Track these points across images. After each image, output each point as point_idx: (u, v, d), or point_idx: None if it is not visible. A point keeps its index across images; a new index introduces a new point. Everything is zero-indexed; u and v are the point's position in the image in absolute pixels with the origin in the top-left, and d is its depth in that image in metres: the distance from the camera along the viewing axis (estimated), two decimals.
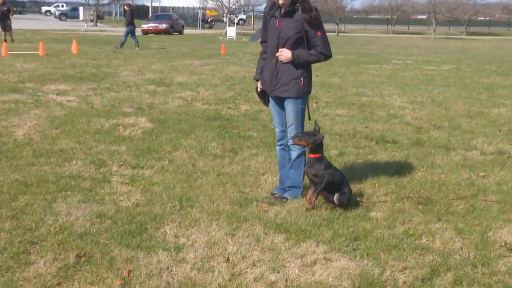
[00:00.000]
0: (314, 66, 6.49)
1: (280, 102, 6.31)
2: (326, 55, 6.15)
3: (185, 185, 6.82)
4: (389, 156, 8.57)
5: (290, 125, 6.25)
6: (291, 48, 6.06)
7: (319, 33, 6.05)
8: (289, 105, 6.19)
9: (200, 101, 13.40)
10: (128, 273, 4.46)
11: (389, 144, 9.38)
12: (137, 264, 4.64)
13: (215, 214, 5.83)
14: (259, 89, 6.54)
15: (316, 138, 6.07)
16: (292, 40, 6.04)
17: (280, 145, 6.54)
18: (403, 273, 4.66)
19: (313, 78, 6.48)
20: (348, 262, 4.81)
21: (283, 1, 6.01)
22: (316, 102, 13.56)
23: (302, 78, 6.12)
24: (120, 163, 7.69)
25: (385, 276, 4.58)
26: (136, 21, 32.28)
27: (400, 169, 7.77)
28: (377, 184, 7.01)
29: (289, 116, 6.23)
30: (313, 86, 6.48)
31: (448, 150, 9.12)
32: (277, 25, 6.14)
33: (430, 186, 7.07)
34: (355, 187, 6.87)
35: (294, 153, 6.34)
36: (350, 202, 6.13)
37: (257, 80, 6.55)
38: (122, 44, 30.77)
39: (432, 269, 4.74)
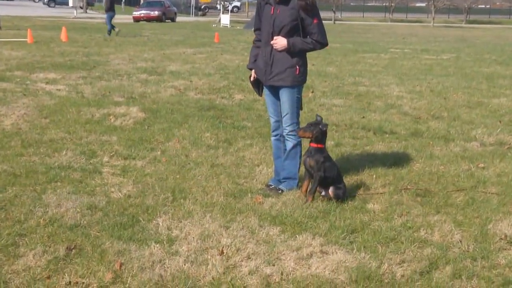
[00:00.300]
0: (310, 55, 6.48)
1: (275, 91, 6.30)
2: (322, 43, 6.14)
3: (178, 176, 6.82)
4: (387, 147, 8.58)
5: (285, 115, 6.24)
6: (286, 36, 6.04)
7: (315, 21, 6.03)
8: (284, 94, 6.18)
9: (193, 91, 13.37)
10: (120, 266, 4.46)
11: (387, 135, 9.39)
12: (129, 257, 4.64)
13: (208, 206, 5.83)
14: (252, 78, 6.52)
15: (321, 126, 6.09)
16: (287, 27, 6.02)
17: (275, 136, 6.53)
18: (401, 266, 4.68)
19: (309, 67, 6.48)
20: (345, 255, 4.82)
21: None
22: (312, 92, 13.55)
23: (297, 67, 6.11)
24: (111, 154, 7.67)
25: (382, 269, 4.59)
26: (127, 8, 32.18)
27: (398, 160, 7.78)
28: (374, 176, 7.03)
29: (284, 105, 6.22)
30: (309, 75, 6.48)
31: (447, 141, 9.14)
32: (272, 12, 6.12)
33: (428, 178, 7.09)
34: (352, 179, 6.89)
35: (289, 144, 6.34)
36: (345, 196, 6.14)
37: (251, 69, 6.54)
38: (110, 32, 30.69)
39: (431, 262, 4.76)
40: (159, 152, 7.86)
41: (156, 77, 15.42)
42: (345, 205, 5.99)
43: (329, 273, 4.50)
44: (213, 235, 5.12)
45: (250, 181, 6.75)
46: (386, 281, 4.44)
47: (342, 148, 8.42)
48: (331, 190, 6.09)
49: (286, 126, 6.26)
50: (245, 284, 4.31)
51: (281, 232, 5.28)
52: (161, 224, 5.35)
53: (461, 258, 4.86)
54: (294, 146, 6.33)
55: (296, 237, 5.13)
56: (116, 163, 7.33)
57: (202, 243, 4.97)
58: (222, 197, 6.11)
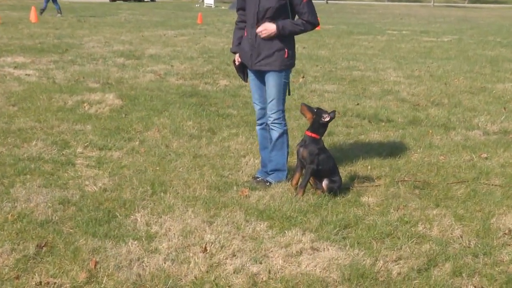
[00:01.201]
0: (300, 37, 6.49)
1: (261, 75, 6.29)
2: (313, 23, 6.13)
3: (157, 168, 6.81)
4: (383, 136, 8.61)
5: (271, 101, 6.22)
6: (272, 18, 6.01)
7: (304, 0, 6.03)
8: (271, 79, 6.17)
9: (175, 76, 13.34)
10: (95, 265, 4.46)
11: (383, 123, 9.42)
12: (104, 255, 4.64)
13: (191, 200, 5.83)
14: (237, 63, 6.51)
15: (323, 116, 6.07)
16: (273, 9, 5.98)
17: (260, 125, 6.53)
18: (398, 264, 4.70)
19: (300, 50, 6.56)
20: (337, 251, 4.84)
21: None
22: (303, 77, 13.57)
23: (286, 50, 6.10)
24: (86, 144, 7.65)
25: (377, 266, 4.61)
26: None
27: (395, 150, 7.81)
28: (369, 167, 7.06)
29: (270, 90, 6.20)
30: (299, 59, 6.50)
31: (447, 129, 9.18)
32: None
33: (427, 169, 7.13)
34: (345, 170, 6.91)
35: (274, 133, 6.33)
36: (339, 190, 6.16)
37: (235, 53, 6.53)
38: (42, 11, 30.37)
39: (429, 259, 4.79)
40: (137, 142, 7.85)
41: (134, 61, 15.38)
42: (338, 198, 6.02)
43: (320, 271, 4.52)
44: (196, 231, 5.12)
45: (236, 173, 6.76)
46: (381, 279, 4.46)
47: (335, 137, 8.43)
48: (324, 183, 6.10)
49: (271, 114, 6.24)
50: (229, 284, 4.32)
51: (268, 227, 5.29)
52: (139, 219, 5.34)
53: (462, 254, 4.89)
54: (280, 136, 6.33)
55: (285, 233, 5.14)
56: (91, 154, 7.31)
57: (184, 239, 4.97)
58: (205, 190, 6.12)
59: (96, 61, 15.06)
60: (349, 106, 10.59)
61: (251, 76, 6.39)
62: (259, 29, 6.02)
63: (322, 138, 6.23)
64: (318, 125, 6.11)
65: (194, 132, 8.43)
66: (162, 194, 5.98)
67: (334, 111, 6.13)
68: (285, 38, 6.09)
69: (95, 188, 6.10)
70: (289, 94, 6.47)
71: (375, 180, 6.67)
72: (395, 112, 10.22)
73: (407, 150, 7.87)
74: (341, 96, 11.58)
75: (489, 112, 10.50)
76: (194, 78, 13.11)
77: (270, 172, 6.48)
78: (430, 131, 8.95)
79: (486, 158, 7.69)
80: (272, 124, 6.27)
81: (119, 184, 6.24)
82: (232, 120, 9.25)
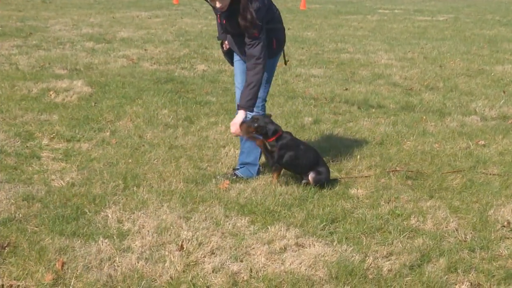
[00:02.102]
0: (284, 18, 6.49)
1: None
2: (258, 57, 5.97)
3: (130, 161, 6.80)
4: (373, 124, 8.64)
5: None
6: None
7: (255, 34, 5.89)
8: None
9: (149, 61, 13.31)
10: (62, 266, 4.44)
11: (373, 109, 9.45)
12: (72, 255, 4.62)
13: (166, 194, 5.83)
14: (225, 48, 6.50)
15: (257, 123, 6.00)
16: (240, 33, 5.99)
17: None
18: (388, 260, 4.73)
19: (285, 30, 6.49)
20: (323, 248, 4.86)
21: (220, 5, 5.89)
22: (288, 61, 13.54)
23: (274, 40, 6.12)
24: (52, 136, 7.61)
25: (367, 263, 4.63)
26: None
27: (386, 138, 7.84)
28: (358, 157, 7.08)
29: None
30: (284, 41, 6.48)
31: (442, 115, 9.22)
32: (219, 21, 6.13)
33: (421, 158, 7.16)
34: (332, 160, 6.93)
35: None
36: (328, 182, 6.18)
37: (221, 40, 6.52)
38: None
39: (422, 254, 4.82)
40: (108, 133, 7.82)
41: (104, 45, 15.31)
42: (325, 191, 6.03)
43: (305, 269, 4.53)
44: (171, 227, 5.12)
45: (215, 165, 6.76)
46: (371, 276, 4.49)
47: (322, 125, 8.45)
48: (310, 176, 6.12)
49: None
50: (208, 284, 4.32)
51: (250, 223, 5.30)
52: (110, 216, 5.33)
53: (457, 249, 4.93)
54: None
55: (268, 228, 5.15)
56: (58, 146, 7.28)
57: (159, 237, 4.96)
58: (181, 183, 6.11)
59: (63, 46, 14.98)
60: (337, 92, 10.61)
61: (236, 57, 6.38)
62: (232, 130, 6.05)
63: (286, 134, 6.17)
64: (264, 130, 6.04)
65: (169, 121, 8.41)
66: (135, 188, 5.96)
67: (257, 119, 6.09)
68: (271, 32, 6.04)
69: (62, 183, 6.07)
70: (285, 64, 6.77)
71: (365, 171, 6.69)
72: (387, 97, 10.25)
73: (399, 138, 7.91)
74: (328, 81, 11.60)
75: (487, 96, 10.56)
76: (170, 63, 13.07)
77: (240, 166, 6.49)
78: (424, 117, 8.99)
79: (484, 146, 7.73)
80: (250, 113, 6.25)
81: (88, 178, 6.22)
82: (211, 108, 9.24)
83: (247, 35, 5.81)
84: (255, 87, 5.88)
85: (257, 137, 6.09)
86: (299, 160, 6.12)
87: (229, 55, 6.51)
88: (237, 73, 6.45)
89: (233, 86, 10.54)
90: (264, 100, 6.31)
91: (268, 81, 6.27)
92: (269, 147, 6.09)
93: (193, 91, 10.34)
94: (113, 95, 9.79)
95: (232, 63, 6.53)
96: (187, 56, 13.94)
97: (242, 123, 5.98)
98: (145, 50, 14.71)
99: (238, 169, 6.51)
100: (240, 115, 5.94)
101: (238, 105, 6.00)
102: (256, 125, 6.01)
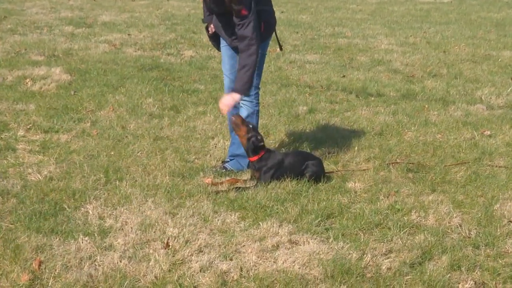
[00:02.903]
0: (277, 0, 6.49)
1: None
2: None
3: (112, 153, 6.79)
4: (372, 113, 8.66)
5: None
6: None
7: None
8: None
9: (132, 46, 13.28)
10: (39, 265, 4.44)
11: (372, 98, 9.46)
12: (50, 254, 4.62)
13: (151, 189, 5.83)
14: (210, 32, 6.48)
15: (253, 140, 6.02)
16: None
17: None
18: (388, 258, 4.74)
19: (278, 15, 6.48)
20: (318, 245, 4.87)
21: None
22: (282, 46, 13.52)
23: (262, 23, 6.10)
24: (28, 126, 7.61)
25: (365, 261, 4.64)
26: None
27: (386, 128, 7.86)
28: (356, 148, 7.09)
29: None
30: (277, 25, 6.48)
31: (446, 103, 9.24)
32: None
33: (422, 149, 7.18)
34: (329, 152, 6.94)
35: (243, 112, 6.33)
36: (323, 176, 6.20)
37: (206, 23, 6.51)
38: None
39: (424, 251, 4.83)
40: (88, 124, 7.81)
41: (84, 29, 15.26)
42: (320, 184, 6.05)
43: (299, 268, 4.54)
44: (156, 224, 5.12)
45: (203, 158, 6.77)
46: (369, 275, 4.50)
47: (317, 114, 8.46)
48: (306, 172, 6.12)
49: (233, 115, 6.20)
50: (195, 283, 4.33)
51: (240, 219, 5.31)
52: (91, 212, 5.33)
53: (461, 245, 4.94)
54: (249, 116, 6.33)
55: (259, 224, 5.16)
56: (34, 138, 7.27)
57: (143, 234, 4.97)
58: (167, 177, 6.11)
59: (40, 30, 14.93)
60: (334, 79, 10.62)
61: (223, 43, 6.37)
62: (221, 106, 6.06)
63: (268, 154, 6.16)
64: (255, 148, 6.06)
65: (154, 111, 8.41)
66: (117, 182, 5.97)
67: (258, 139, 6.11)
68: (261, 13, 6.02)
69: (39, 177, 6.06)
70: (280, 50, 6.82)
71: (363, 163, 6.70)
72: (387, 85, 10.26)
73: (399, 128, 7.92)
74: (324, 67, 11.60)
75: (493, 83, 10.58)
76: (155, 49, 13.05)
77: (230, 158, 6.50)
78: (426, 106, 9.01)
79: (490, 136, 7.76)
80: (242, 101, 6.26)
81: (67, 171, 6.22)
82: (199, 96, 9.24)
83: (234, 14, 5.79)
84: (250, 70, 5.85)
85: (246, 128, 6.08)
86: (285, 174, 6.10)
87: (215, 39, 6.49)
88: (224, 59, 6.44)
89: (221, 73, 10.57)
90: (258, 88, 6.31)
91: (259, 68, 6.26)
92: (253, 168, 6.15)
93: (179, 79, 10.33)
94: (94, 83, 9.78)
95: (218, 48, 6.52)
96: (174, 41, 13.92)
97: (239, 116, 6.05)
98: (129, 35, 14.67)
99: (227, 161, 6.52)
100: (234, 96, 5.93)
101: (233, 88, 5.98)
102: (251, 126, 6.07)
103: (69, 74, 10.26)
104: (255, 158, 6.07)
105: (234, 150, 6.46)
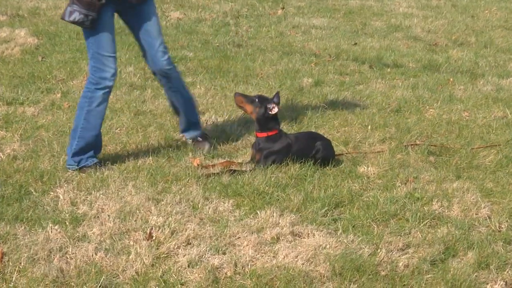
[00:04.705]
0: None
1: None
2: None
3: None
4: (388, 86, 8.66)
5: (161, 38, 6.31)
6: None
7: None
8: (153, 8, 6.21)
9: None
10: (1, 258, 4.45)
11: (389, 69, 9.46)
12: (14, 244, 4.63)
13: (131, 171, 5.84)
14: None
15: (267, 107, 6.06)
16: None
17: (108, 89, 6.02)
18: (405, 253, 4.75)
19: None
20: (325, 238, 4.87)
21: None
22: (283, 8, 13.52)
23: None
24: None
25: (378, 257, 4.65)
26: None
27: (404, 104, 7.87)
28: (369, 127, 7.10)
29: (156, 26, 6.25)
30: None
31: (474, 76, 9.24)
32: None
33: (446, 129, 7.19)
34: (337, 132, 6.95)
35: (176, 75, 6.45)
36: (332, 158, 6.22)
37: None
38: None
39: (447, 246, 4.84)
40: (59, 95, 7.81)
41: None
42: (327, 168, 6.05)
43: (302, 264, 4.55)
44: (138, 212, 5.13)
45: None
46: (383, 273, 4.51)
47: (324, 87, 8.45)
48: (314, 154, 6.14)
49: (166, 54, 6.33)
50: (182, 280, 4.35)
51: (235, 206, 5.33)
52: (61, 197, 5.34)
53: (490, 240, 4.96)
54: (179, 77, 6.50)
55: (257, 213, 5.17)
56: None
57: (122, 223, 4.97)
58: (150, 158, 6.11)
59: None
60: (344, 47, 10.61)
61: (107, 14, 5.88)
62: None
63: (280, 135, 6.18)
64: (265, 120, 6.11)
65: (136, 81, 8.41)
66: None
67: (277, 94, 6.18)
68: None
69: (2, 156, 6.07)
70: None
71: (377, 145, 6.71)
72: (405, 55, 10.25)
73: (419, 104, 7.93)
74: (333, 34, 11.58)
75: None
76: None
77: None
78: (451, 80, 9.01)
79: None
80: (169, 68, 6.32)
81: (34, 150, 6.22)
82: (187, 65, 9.23)
83: None
84: None
85: (251, 102, 6.11)
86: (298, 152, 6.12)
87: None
88: (107, 37, 5.94)
89: (214, 37, 10.59)
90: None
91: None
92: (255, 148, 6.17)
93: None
94: (65, 47, 9.77)
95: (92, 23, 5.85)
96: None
97: (239, 95, 6.16)
98: None
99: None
100: None
101: None
102: (256, 99, 6.13)
103: (36, 37, 10.24)
104: (263, 134, 6.10)
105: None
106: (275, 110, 6.04)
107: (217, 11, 12.87)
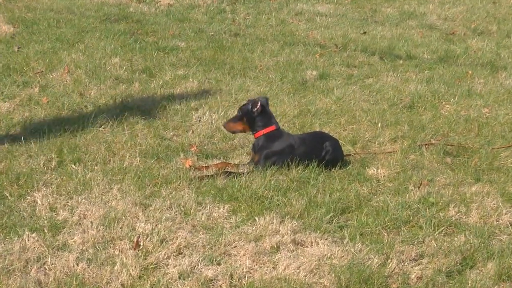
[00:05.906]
0: None
1: None
2: None
3: (67, 127, 6.77)
4: (401, 80, 8.66)
5: None
6: None
7: None
8: None
9: None
10: None
11: (401, 61, 9.46)
12: None
13: (116, 173, 5.84)
14: None
15: (251, 106, 6.10)
16: None
17: None
18: (418, 264, 4.76)
19: None
20: (330, 247, 4.88)
21: None
22: None
23: None
24: None
25: (389, 268, 4.66)
26: None
27: (418, 100, 7.86)
28: (380, 124, 7.10)
29: None
30: None
31: (495, 69, 9.24)
32: None
33: (464, 128, 7.19)
34: (344, 130, 6.95)
35: None
36: (340, 159, 6.22)
37: None
38: None
39: (464, 256, 4.84)
40: (36, 89, 7.80)
41: None
42: (333, 170, 6.06)
43: (305, 275, 4.56)
44: (124, 218, 5.13)
45: (183, 134, 6.78)
46: (394, 286, 4.52)
47: (330, 81, 8.46)
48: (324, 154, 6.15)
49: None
50: None
51: (231, 212, 5.33)
52: (39, 202, 5.33)
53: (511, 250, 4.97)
54: None
55: (255, 220, 5.18)
56: None
57: (106, 230, 4.98)
58: (138, 159, 6.12)
59: None
60: (352, 36, 10.61)
61: None
62: None
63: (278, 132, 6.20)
64: (254, 120, 6.13)
65: (122, 74, 8.40)
66: (73, 165, 5.97)
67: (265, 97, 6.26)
68: None
69: None
70: None
71: (388, 144, 6.72)
72: (419, 45, 10.26)
73: (435, 100, 7.94)
74: (339, 21, 11.59)
75: None
76: None
77: None
78: (470, 72, 9.02)
79: None
80: None
81: (9, 150, 6.22)
82: (179, 56, 9.24)
83: None
84: None
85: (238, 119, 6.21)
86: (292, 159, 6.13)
87: None
88: None
89: (210, 26, 10.62)
90: None
91: None
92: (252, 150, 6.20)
93: (154, 33, 10.32)
94: (43, 37, 9.77)
95: None
96: None
97: (226, 122, 6.26)
98: None
99: None
100: None
101: None
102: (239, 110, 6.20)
103: (12, 25, 10.25)
104: (260, 133, 6.11)
105: None
106: (257, 105, 6.06)
107: None
